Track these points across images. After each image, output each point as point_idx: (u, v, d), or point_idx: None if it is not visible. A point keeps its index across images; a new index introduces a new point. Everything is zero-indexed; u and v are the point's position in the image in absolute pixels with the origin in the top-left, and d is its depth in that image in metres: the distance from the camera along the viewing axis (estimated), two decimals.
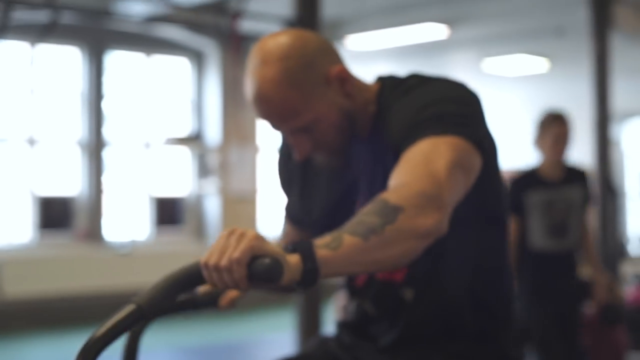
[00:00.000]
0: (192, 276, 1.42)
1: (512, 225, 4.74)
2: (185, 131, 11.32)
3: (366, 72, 8.67)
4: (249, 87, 1.75)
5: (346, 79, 1.79)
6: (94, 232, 10.25)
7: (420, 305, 1.80)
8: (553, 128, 4.78)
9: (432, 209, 1.51)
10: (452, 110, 1.69)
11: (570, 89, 13.18)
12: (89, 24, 10.06)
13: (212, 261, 1.35)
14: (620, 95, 9.33)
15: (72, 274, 9.55)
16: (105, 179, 10.40)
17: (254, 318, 10.30)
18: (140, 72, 10.97)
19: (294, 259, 1.38)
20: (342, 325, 1.99)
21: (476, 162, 1.67)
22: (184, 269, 1.42)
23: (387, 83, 1.87)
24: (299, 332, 5.06)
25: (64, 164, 10.32)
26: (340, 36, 10.07)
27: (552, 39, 10.04)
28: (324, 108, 1.75)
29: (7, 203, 9.82)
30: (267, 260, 1.34)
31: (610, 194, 7.45)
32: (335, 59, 1.80)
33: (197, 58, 11.36)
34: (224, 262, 1.33)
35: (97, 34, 10.34)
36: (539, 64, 11.84)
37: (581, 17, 7.89)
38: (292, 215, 2.04)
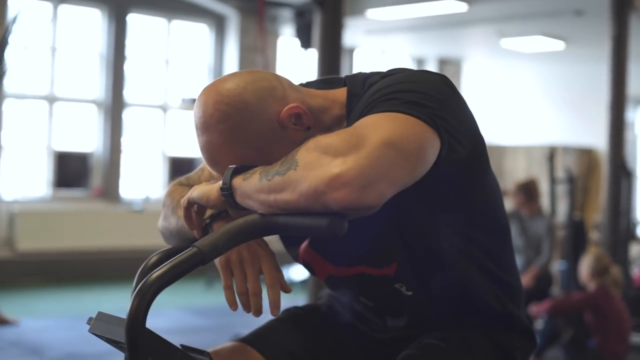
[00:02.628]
0: (254, 228, 1.47)
1: None
2: None
3: (385, 44, 8.62)
4: (199, 146, 1.62)
5: (302, 113, 1.59)
6: (108, 189, 10.34)
7: (416, 298, 1.73)
8: None
9: (327, 176, 1.37)
10: (412, 91, 1.55)
11: (586, 70, 13.14)
12: None
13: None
14: (635, 79, 9.30)
15: (86, 229, 9.65)
16: (122, 138, 10.49)
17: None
18: (160, 36, 11.01)
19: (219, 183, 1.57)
20: None
21: (426, 144, 1.49)
22: (247, 220, 1.48)
23: (352, 90, 1.68)
24: (311, 298, 5.09)
25: (81, 123, 10.41)
26: (361, 10, 10.08)
27: (571, 19, 10.00)
28: (287, 151, 1.52)
29: (24, 157, 9.92)
30: None
31: (624, 175, 7.47)
32: (284, 95, 1.60)
33: (218, 23, 11.38)
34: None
35: None
36: (556, 45, 11.82)
37: None
38: None
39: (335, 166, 1.37)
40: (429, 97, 1.54)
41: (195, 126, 1.62)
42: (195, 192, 1.61)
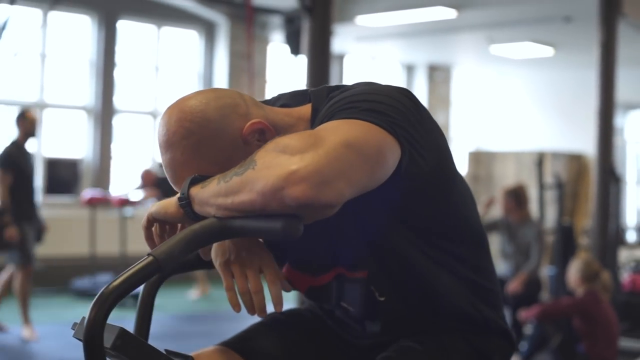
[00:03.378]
0: (210, 232, 1.46)
1: None
2: None
3: (375, 51, 8.63)
4: (163, 164, 1.62)
5: (264, 129, 1.59)
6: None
7: (389, 303, 1.72)
8: None
9: (284, 173, 1.37)
10: (371, 101, 1.56)
11: (575, 76, 13.19)
12: None
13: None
14: (624, 85, 9.35)
15: (76, 236, 9.62)
16: (112, 144, 10.48)
17: None
18: (150, 42, 11.02)
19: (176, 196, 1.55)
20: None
21: (385, 149, 1.49)
22: (202, 225, 1.46)
23: (316, 105, 1.69)
24: (297, 303, 5.09)
25: (71, 129, 10.40)
26: (350, 16, 10.10)
27: (559, 25, 10.04)
28: None
29: None
30: None
31: (613, 181, 7.49)
32: (247, 111, 1.60)
33: (207, 30, 11.39)
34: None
35: (109, 3, 10.39)
36: (545, 51, 11.87)
37: (589, 5, 7.91)
38: None
39: (293, 163, 1.37)
40: (389, 107, 1.55)
41: (159, 144, 1.61)
42: (154, 207, 1.60)
